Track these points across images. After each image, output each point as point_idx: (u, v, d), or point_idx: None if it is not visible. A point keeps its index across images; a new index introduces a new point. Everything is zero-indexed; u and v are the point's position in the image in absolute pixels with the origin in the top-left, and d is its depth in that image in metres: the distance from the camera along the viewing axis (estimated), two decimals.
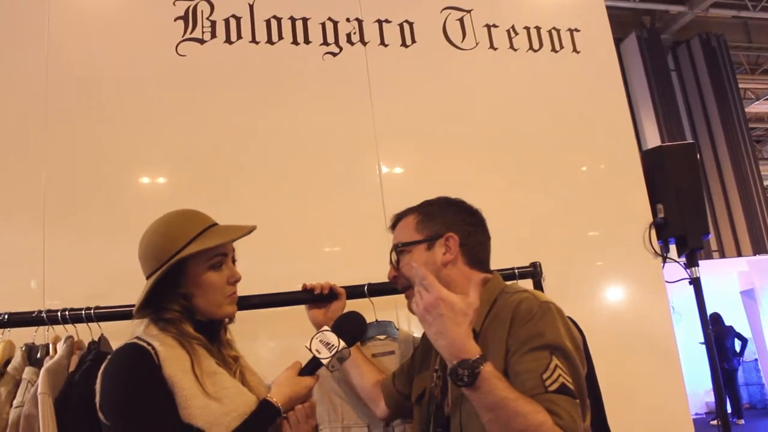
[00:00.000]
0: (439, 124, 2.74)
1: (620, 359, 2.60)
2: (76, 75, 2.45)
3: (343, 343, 1.59)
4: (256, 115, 2.56)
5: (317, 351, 1.58)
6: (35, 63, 2.42)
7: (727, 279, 10.58)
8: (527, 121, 2.86)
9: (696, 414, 9.81)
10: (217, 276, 1.56)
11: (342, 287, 2.03)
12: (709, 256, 11.88)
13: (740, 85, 12.13)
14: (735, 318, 10.17)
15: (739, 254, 11.20)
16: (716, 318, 9.66)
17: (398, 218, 1.75)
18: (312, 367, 1.59)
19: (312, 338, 1.60)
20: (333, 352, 1.57)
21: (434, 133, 2.72)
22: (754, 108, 13.56)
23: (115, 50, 2.52)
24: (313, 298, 2.01)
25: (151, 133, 2.45)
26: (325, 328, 1.62)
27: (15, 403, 1.70)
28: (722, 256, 11.77)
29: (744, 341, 9.92)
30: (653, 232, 2.80)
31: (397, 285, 1.73)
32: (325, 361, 1.57)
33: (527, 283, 2.18)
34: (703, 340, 9.38)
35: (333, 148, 2.59)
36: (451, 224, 1.64)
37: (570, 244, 2.74)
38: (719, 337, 9.57)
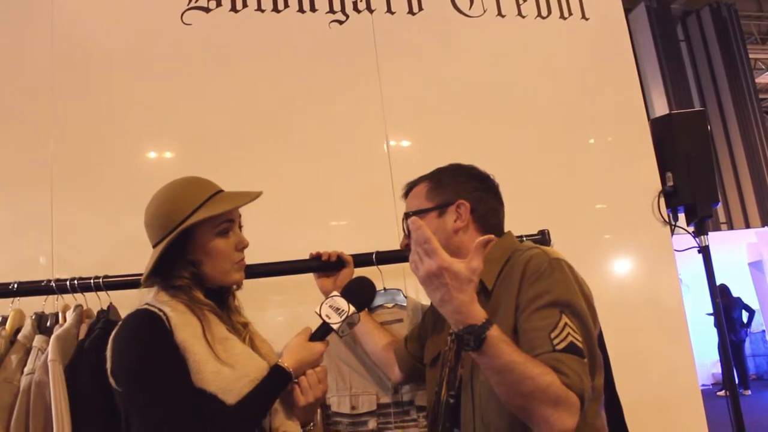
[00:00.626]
0: (446, 93, 2.71)
1: (629, 329, 2.59)
2: (82, 46, 2.43)
3: (352, 308, 1.59)
4: (262, 85, 2.53)
5: (327, 316, 1.58)
6: (41, 35, 2.40)
7: (735, 250, 10.57)
8: (535, 90, 2.83)
9: (703, 385, 9.83)
10: (225, 242, 1.56)
11: (350, 255, 2.03)
12: (717, 228, 11.86)
13: (750, 56, 12.00)
14: (743, 290, 10.16)
15: (748, 226, 11.17)
16: (724, 289, 9.65)
17: (410, 187, 1.74)
18: (322, 332, 1.59)
19: (321, 304, 1.61)
20: (343, 317, 1.58)
21: (441, 103, 2.69)
22: (765, 78, 13.41)
23: (120, 19, 2.49)
24: (321, 266, 2.01)
25: (157, 102, 2.43)
26: (335, 293, 1.63)
27: (26, 370, 1.72)
28: (731, 227, 11.74)
29: (751, 312, 9.93)
30: (662, 200, 2.78)
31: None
32: (335, 326, 1.58)
33: None
34: (710, 312, 9.41)
35: (340, 117, 2.57)
36: (462, 191, 1.63)
37: (579, 213, 2.72)
38: (727, 309, 9.58)
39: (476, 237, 1.57)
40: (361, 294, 1.66)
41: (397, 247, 2.10)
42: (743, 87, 11.82)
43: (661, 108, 11.48)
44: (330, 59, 2.62)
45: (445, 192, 1.64)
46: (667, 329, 2.69)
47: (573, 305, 1.38)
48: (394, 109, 2.61)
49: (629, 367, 2.44)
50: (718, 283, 9.23)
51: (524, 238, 2.15)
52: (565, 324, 1.34)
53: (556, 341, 1.32)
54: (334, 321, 1.58)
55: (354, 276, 1.87)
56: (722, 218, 12.08)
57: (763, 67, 13.07)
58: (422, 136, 2.66)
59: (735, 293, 9.89)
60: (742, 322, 9.84)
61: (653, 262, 2.79)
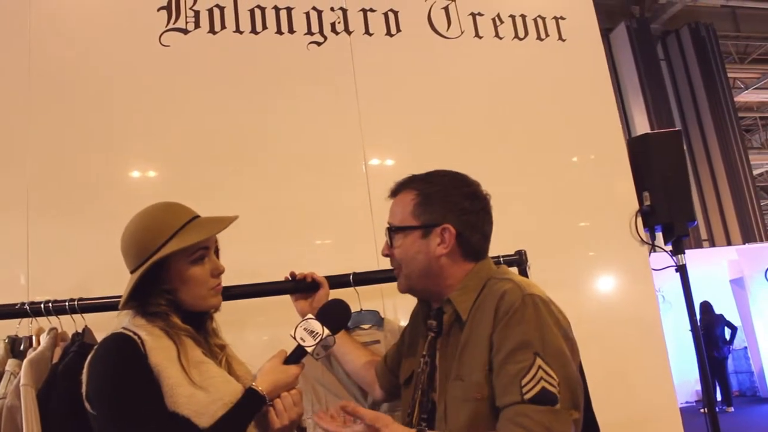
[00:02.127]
0: (424, 113, 2.73)
1: (608, 348, 2.62)
2: (60, 66, 2.43)
3: (327, 331, 1.59)
4: (241, 106, 2.54)
5: (302, 339, 1.58)
6: (18, 54, 2.39)
7: (716, 268, 10.65)
8: (512, 110, 2.86)
9: (686, 402, 9.89)
10: (200, 270, 1.56)
11: (326, 277, 2.03)
12: (699, 245, 11.95)
13: (729, 75, 12.18)
14: (725, 306, 10.24)
15: (729, 243, 11.26)
16: (706, 306, 9.73)
17: (397, 190, 1.65)
18: (297, 355, 1.59)
19: (296, 327, 1.60)
20: (317, 340, 1.58)
21: (419, 123, 2.71)
22: (744, 97, 13.61)
23: (99, 40, 2.49)
24: (294, 287, 2.01)
25: (135, 123, 2.43)
26: (309, 316, 1.63)
27: None
28: (712, 245, 11.83)
29: (734, 329, 10.00)
30: (639, 220, 2.80)
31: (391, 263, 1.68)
32: (309, 349, 1.58)
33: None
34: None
35: (318, 138, 2.57)
36: (450, 213, 1.55)
37: (557, 233, 2.74)
38: (709, 326, 9.64)
39: (458, 261, 1.57)
40: (335, 316, 1.66)
41: (375, 268, 2.12)
42: (722, 105, 11.98)
43: (642, 126, 11.59)
44: (309, 80, 2.64)
45: (433, 211, 1.56)
46: (646, 347, 2.71)
47: (547, 345, 1.37)
48: (372, 129, 2.62)
49: (608, 385, 2.47)
50: (700, 300, 9.30)
51: (501, 259, 2.15)
52: (539, 368, 1.33)
53: (525, 389, 1.32)
54: (309, 344, 1.58)
55: (330, 298, 1.87)
56: (704, 235, 12.19)
57: (742, 86, 13.27)
58: (400, 155, 2.68)
59: (717, 310, 9.96)
60: (725, 338, 9.89)
61: (632, 279, 2.81)
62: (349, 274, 2.06)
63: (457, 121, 2.76)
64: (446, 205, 1.56)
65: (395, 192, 1.65)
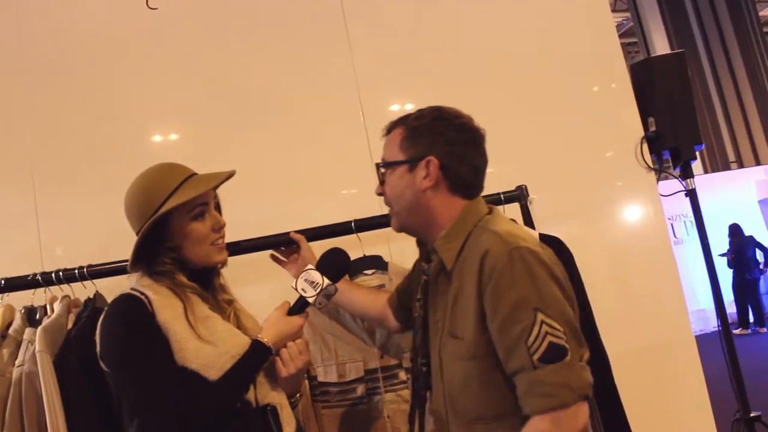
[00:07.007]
0: (419, 59, 2.69)
1: (619, 277, 2.64)
2: (49, 34, 2.45)
3: (327, 281, 1.61)
4: (232, 64, 2.54)
5: (303, 290, 1.62)
6: (6, 24, 2.41)
7: (745, 189, 10.46)
8: (510, 44, 2.79)
9: (717, 327, 9.85)
10: (201, 225, 1.59)
11: (328, 225, 2.06)
12: (726, 167, 11.76)
13: None
14: (754, 228, 10.08)
15: (758, 163, 11.05)
16: (736, 229, 9.59)
17: (388, 129, 1.61)
18: (299, 306, 1.63)
19: (297, 278, 1.64)
20: (318, 290, 1.60)
21: (415, 69, 2.68)
22: None
23: (86, 6, 2.50)
24: (274, 243, 2.03)
25: (127, 88, 2.46)
26: (309, 266, 1.66)
27: (17, 362, 1.78)
28: (741, 166, 11.62)
29: (765, 250, 9.87)
30: (645, 146, 2.76)
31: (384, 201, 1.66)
32: (311, 300, 1.61)
33: (514, 207, 2.20)
34: (722, 252, 9.34)
35: (314, 90, 2.57)
36: (435, 144, 1.50)
37: (564, 166, 2.71)
38: (740, 248, 9.51)
39: (446, 196, 1.52)
40: (334, 265, 1.68)
41: (377, 214, 2.13)
42: (746, 21, 11.60)
43: (662, 49, 11.30)
44: (300, 32, 2.61)
45: (418, 144, 1.52)
46: (658, 274, 2.69)
47: (544, 297, 1.34)
48: (367, 78, 2.59)
49: (620, 314, 2.48)
50: (729, 223, 9.14)
51: (501, 196, 2.15)
52: (542, 323, 1.31)
53: (533, 348, 1.30)
54: (310, 294, 1.61)
55: (334, 248, 1.89)
56: (731, 157, 11.98)
57: None
58: (397, 100, 2.66)
59: (747, 232, 9.81)
60: (757, 260, 9.77)
61: (640, 208, 2.78)
62: (351, 222, 2.08)
63: (452, 60, 2.71)
64: (432, 137, 1.52)
65: (388, 130, 1.62)
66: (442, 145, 1.51)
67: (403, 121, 1.58)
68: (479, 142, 1.56)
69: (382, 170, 1.60)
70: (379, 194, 1.63)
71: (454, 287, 1.47)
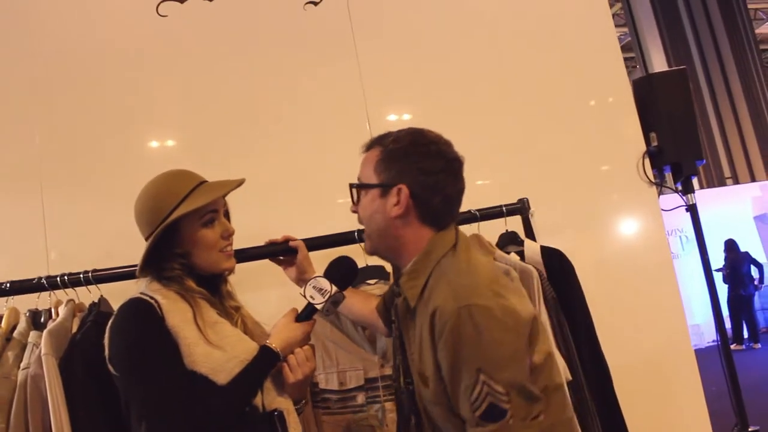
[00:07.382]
0: (425, 66, 2.72)
1: (619, 290, 2.65)
2: (57, 41, 2.47)
3: (335, 288, 1.63)
4: (240, 72, 2.56)
5: (311, 297, 1.63)
6: (18, 29, 2.43)
7: (740, 205, 10.52)
8: (514, 55, 2.82)
9: (713, 341, 9.89)
10: (211, 232, 1.61)
11: (333, 234, 2.07)
12: (722, 183, 11.83)
13: (749, 5, 11.84)
14: (749, 244, 10.13)
15: (753, 179, 11.11)
16: (731, 244, 9.63)
17: (368, 146, 1.58)
18: (308, 312, 1.65)
19: (306, 285, 1.65)
20: (326, 297, 1.62)
21: (420, 77, 2.70)
22: (765, 29, 13.23)
23: (97, 12, 2.52)
24: (272, 252, 2.02)
25: (137, 93, 2.47)
26: (318, 274, 1.67)
27: (22, 365, 1.78)
28: (736, 182, 11.68)
29: (760, 267, 9.91)
30: (647, 161, 2.79)
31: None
32: (319, 306, 1.62)
33: (515, 220, 2.23)
34: (718, 268, 9.35)
35: (320, 99, 2.59)
36: (408, 172, 1.46)
37: (566, 179, 2.73)
38: (735, 264, 9.55)
39: (416, 226, 1.49)
40: (342, 273, 1.69)
41: None
42: (743, 38, 11.69)
43: (659, 65, 11.38)
44: (306, 42, 2.63)
45: (392, 169, 1.48)
46: (658, 289, 2.71)
47: (489, 359, 1.32)
48: (373, 87, 2.62)
49: (620, 327, 2.50)
50: (725, 239, 9.16)
51: (504, 209, 2.18)
52: (483, 383, 1.30)
53: (474, 406, 1.31)
54: (318, 301, 1.62)
55: (339, 256, 1.91)
56: (727, 173, 12.04)
57: (764, 17, 12.90)
58: (403, 110, 2.68)
59: (742, 248, 9.86)
60: (751, 276, 9.81)
61: (641, 222, 2.81)
62: (354, 231, 2.09)
63: (457, 71, 2.74)
64: (404, 165, 1.47)
65: (367, 148, 1.58)
66: (415, 173, 1.46)
67: (381, 142, 1.54)
68: (455, 171, 1.51)
69: (355, 190, 1.58)
70: (354, 212, 1.61)
71: (418, 325, 1.46)
